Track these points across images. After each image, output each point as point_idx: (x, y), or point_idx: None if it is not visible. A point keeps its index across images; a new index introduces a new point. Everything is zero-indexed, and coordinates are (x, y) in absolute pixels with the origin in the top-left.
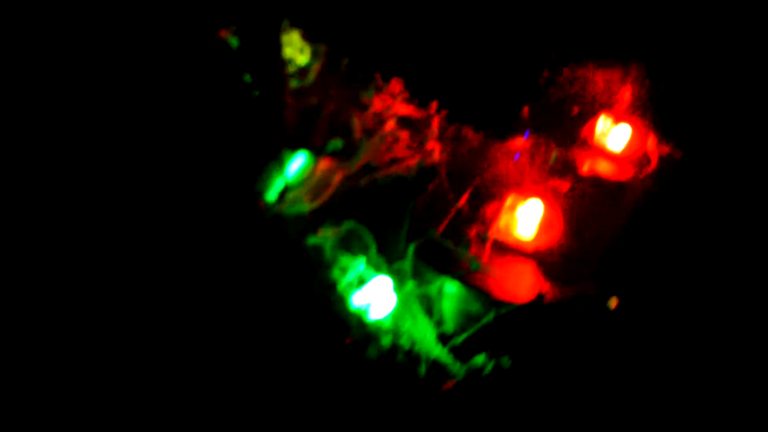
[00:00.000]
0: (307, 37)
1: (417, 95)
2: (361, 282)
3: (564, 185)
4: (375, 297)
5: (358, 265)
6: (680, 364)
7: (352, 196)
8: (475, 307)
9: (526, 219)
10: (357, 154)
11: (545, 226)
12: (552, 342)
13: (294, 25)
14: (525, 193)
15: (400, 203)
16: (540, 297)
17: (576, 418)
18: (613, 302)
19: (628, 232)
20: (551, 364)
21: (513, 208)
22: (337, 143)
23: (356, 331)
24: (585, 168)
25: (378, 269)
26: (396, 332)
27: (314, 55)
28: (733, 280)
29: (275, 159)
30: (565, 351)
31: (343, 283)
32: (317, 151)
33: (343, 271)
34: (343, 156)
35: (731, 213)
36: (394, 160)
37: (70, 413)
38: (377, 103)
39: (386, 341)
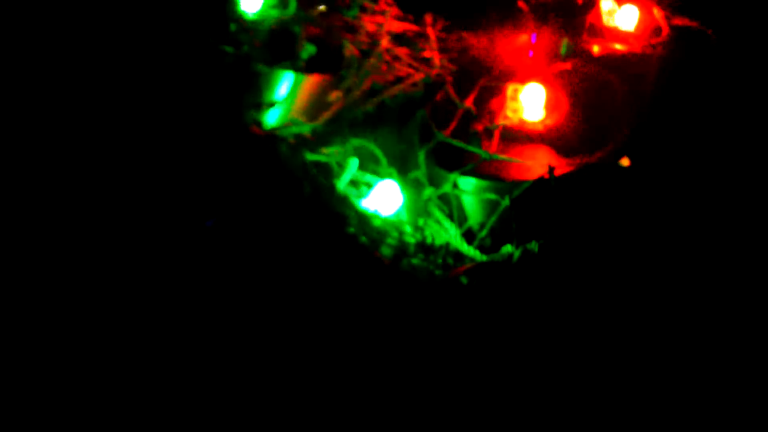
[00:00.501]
0: None
1: (410, 9)
2: (368, 187)
3: (568, 66)
4: (383, 199)
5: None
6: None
7: (358, 118)
8: (492, 195)
9: (530, 103)
10: (355, 74)
11: (551, 107)
12: (571, 218)
13: None
14: (525, 79)
15: (410, 117)
16: (551, 170)
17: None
18: (625, 161)
19: (644, 101)
20: (574, 245)
21: (515, 95)
22: (310, 48)
23: (368, 231)
24: (596, 49)
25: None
26: (412, 227)
27: None
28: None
29: (262, 82)
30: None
31: (349, 191)
32: (303, 69)
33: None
34: (337, 75)
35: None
36: (399, 79)
37: (66, 413)
38: (368, 24)
39: (403, 236)
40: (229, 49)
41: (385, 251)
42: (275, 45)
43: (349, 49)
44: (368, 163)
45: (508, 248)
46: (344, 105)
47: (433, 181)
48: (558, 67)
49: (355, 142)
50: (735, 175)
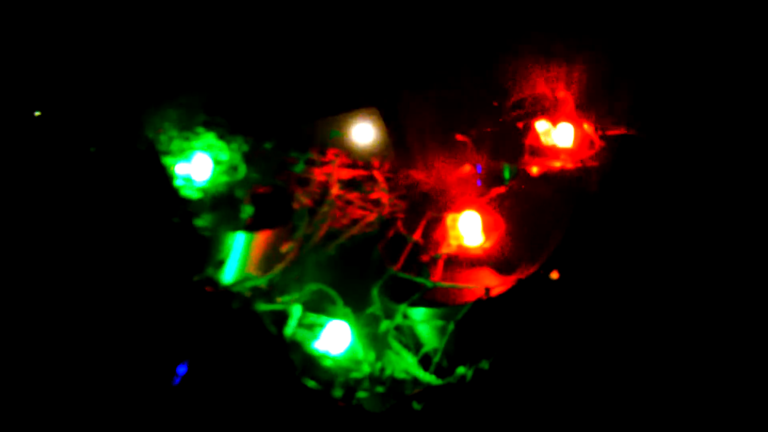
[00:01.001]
0: (226, 132)
1: (356, 156)
2: (317, 328)
3: (503, 189)
4: (333, 339)
5: (315, 316)
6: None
7: (314, 263)
8: (440, 321)
9: (468, 230)
10: (308, 223)
11: (489, 231)
12: (516, 330)
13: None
14: (460, 208)
15: (364, 256)
16: (486, 291)
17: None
18: (554, 274)
19: (578, 213)
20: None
21: (454, 224)
22: (248, 209)
23: (321, 374)
24: (535, 169)
25: (345, 318)
26: (366, 363)
27: (236, 148)
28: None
29: (213, 243)
30: (528, 338)
31: (302, 335)
32: (251, 227)
33: (305, 326)
34: (289, 226)
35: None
36: (353, 221)
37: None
38: (318, 174)
39: (354, 372)
40: (175, 219)
41: (336, 392)
42: (220, 208)
43: (300, 201)
44: (326, 305)
45: (461, 369)
46: (300, 253)
47: (389, 314)
48: (498, 191)
49: (312, 286)
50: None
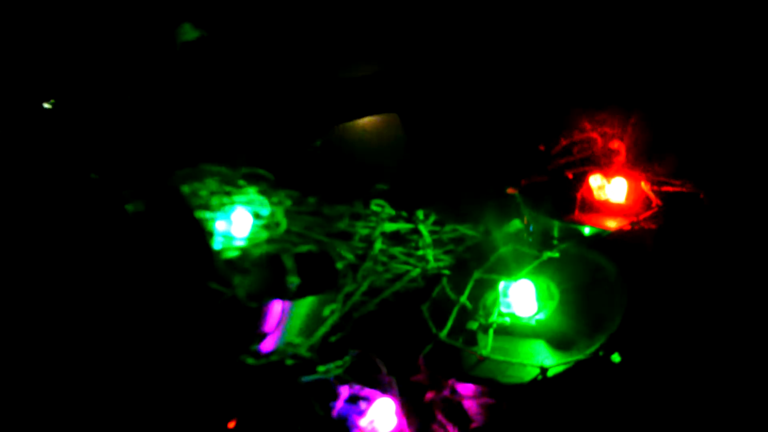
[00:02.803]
0: (269, 186)
1: (401, 207)
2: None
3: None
4: (379, 418)
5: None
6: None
7: (356, 325)
8: (490, 399)
9: (520, 299)
10: (351, 280)
11: (544, 300)
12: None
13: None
14: (513, 273)
15: (408, 318)
16: (543, 371)
17: None
18: (617, 357)
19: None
20: None
21: (505, 293)
22: (295, 280)
23: None
24: (588, 230)
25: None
26: None
27: (278, 203)
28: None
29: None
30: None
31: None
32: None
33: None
34: (331, 288)
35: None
36: (397, 277)
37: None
38: (361, 229)
39: None
40: (218, 287)
41: None
42: (263, 278)
43: (343, 259)
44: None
45: None
46: (343, 313)
47: (433, 385)
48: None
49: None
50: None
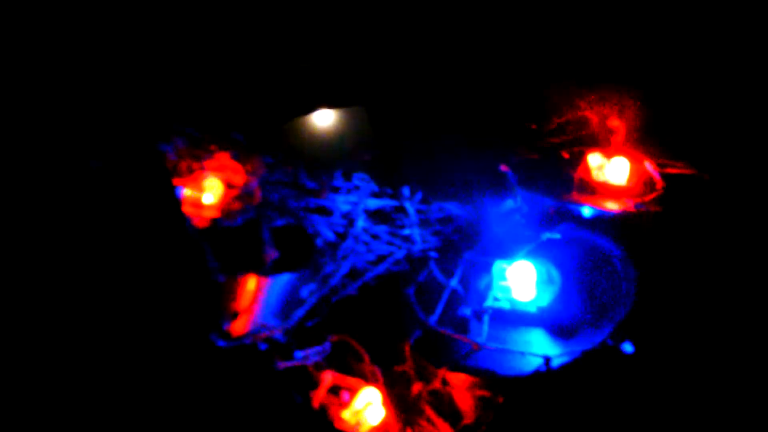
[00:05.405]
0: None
1: (385, 183)
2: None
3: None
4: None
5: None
6: None
7: (335, 308)
8: (485, 391)
9: (520, 282)
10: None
11: (544, 284)
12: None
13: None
14: (508, 256)
15: (393, 301)
16: (547, 361)
17: None
18: (628, 347)
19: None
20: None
21: (501, 275)
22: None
23: None
24: (587, 211)
25: (372, 380)
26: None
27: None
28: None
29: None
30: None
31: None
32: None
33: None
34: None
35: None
36: (380, 258)
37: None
38: (342, 204)
39: None
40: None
41: None
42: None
43: (323, 236)
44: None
45: None
46: (322, 296)
47: (420, 375)
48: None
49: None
50: None
